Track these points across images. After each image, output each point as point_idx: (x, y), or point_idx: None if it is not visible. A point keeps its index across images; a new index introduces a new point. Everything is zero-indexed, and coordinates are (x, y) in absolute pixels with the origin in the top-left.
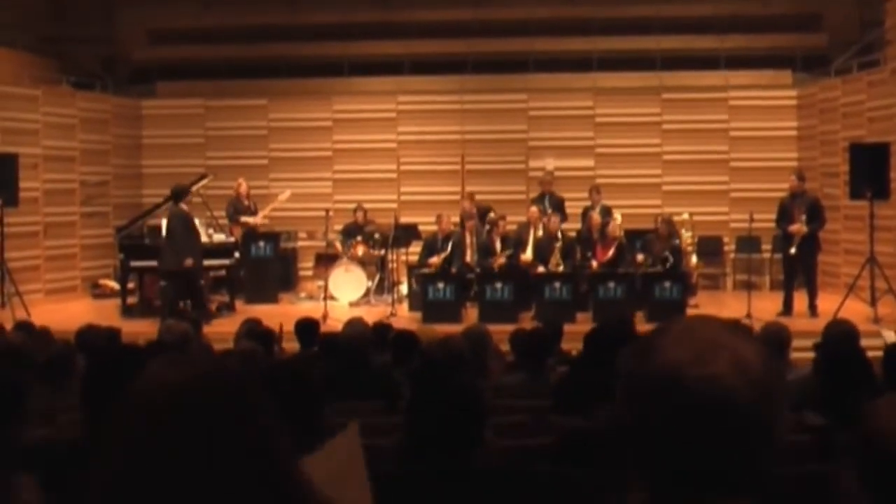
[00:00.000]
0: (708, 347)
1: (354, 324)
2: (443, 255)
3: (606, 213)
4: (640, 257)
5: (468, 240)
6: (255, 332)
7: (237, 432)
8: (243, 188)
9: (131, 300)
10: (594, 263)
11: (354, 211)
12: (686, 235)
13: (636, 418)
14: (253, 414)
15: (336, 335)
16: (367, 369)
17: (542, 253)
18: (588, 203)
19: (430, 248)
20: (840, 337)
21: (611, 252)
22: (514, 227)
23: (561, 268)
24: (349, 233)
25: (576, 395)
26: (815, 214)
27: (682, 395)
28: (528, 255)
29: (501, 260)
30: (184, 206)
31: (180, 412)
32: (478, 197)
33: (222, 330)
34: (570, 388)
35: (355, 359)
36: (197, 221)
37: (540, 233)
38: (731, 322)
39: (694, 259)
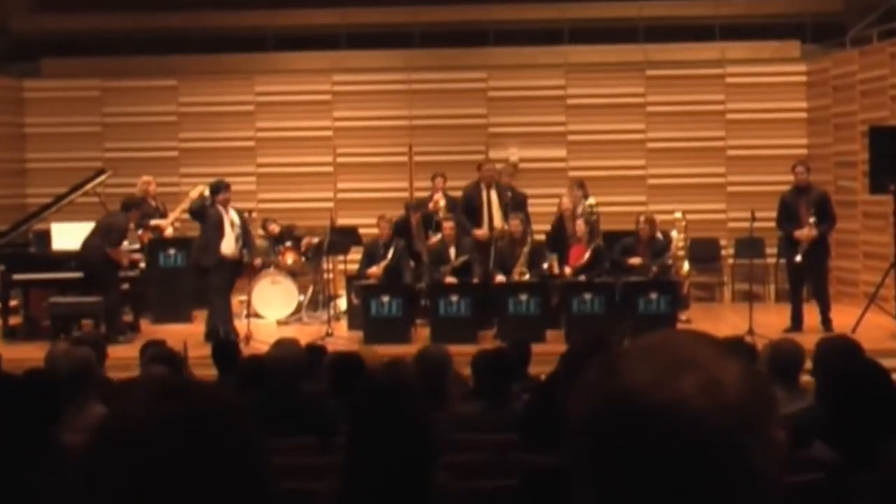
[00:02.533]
0: (674, 366)
1: (284, 346)
2: (383, 264)
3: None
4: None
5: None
6: (160, 356)
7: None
8: (152, 187)
9: (14, 320)
10: (566, 269)
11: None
12: (677, 238)
13: (589, 454)
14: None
15: (261, 359)
16: (297, 399)
17: (502, 260)
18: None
19: (371, 256)
20: (836, 354)
21: (586, 255)
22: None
23: (527, 276)
24: (276, 238)
25: (544, 429)
26: (825, 213)
27: (642, 423)
28: (483, 229)
29: (456, 264)
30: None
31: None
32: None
33: (124, 355)
34: (537, 419)
35: (284, 387)
36: (93, 225)
37: (494, 197)
38: (723, 339)
39: (686, 266)
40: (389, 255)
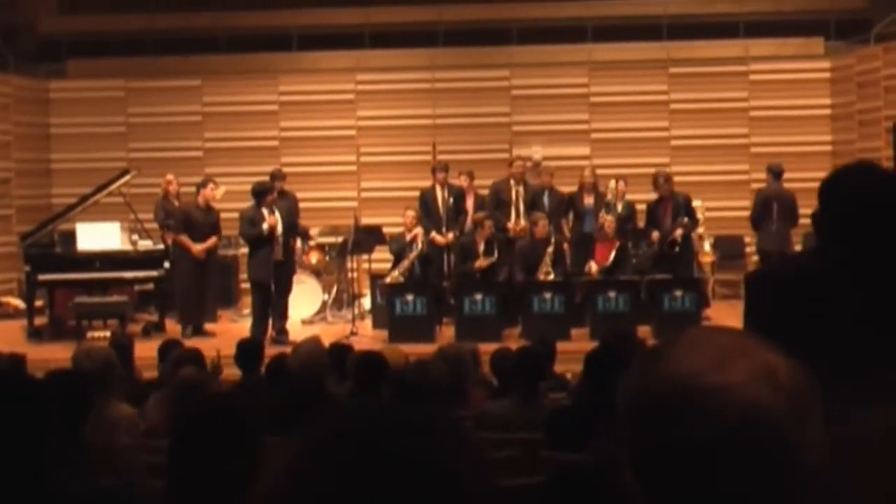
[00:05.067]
0: (726, 354)
1: (308, 346)
2: (411, 256)
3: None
4: (654, 234)
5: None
6: (186, 358)
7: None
8: (173, 186)
9: (39, 321)
10: (593, 266)
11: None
12: (700, 207)
13: (643, 445)
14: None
15: (286, 359)
16: (322, 400)
17: (527, 261)
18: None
19: (399, 252)
20: None
21: (612, 254)
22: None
23: (551, 276)
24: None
25: (573, 427)
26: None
27: (698, 410)
28: (514, 220)
29: (484, 264)
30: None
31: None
32: None
33: (148, 356)
34: (566, 418)
35: (309, 388)
36: (118, 226)
37: (521, 190)
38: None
39: (707, 246)
40: (418, 245)
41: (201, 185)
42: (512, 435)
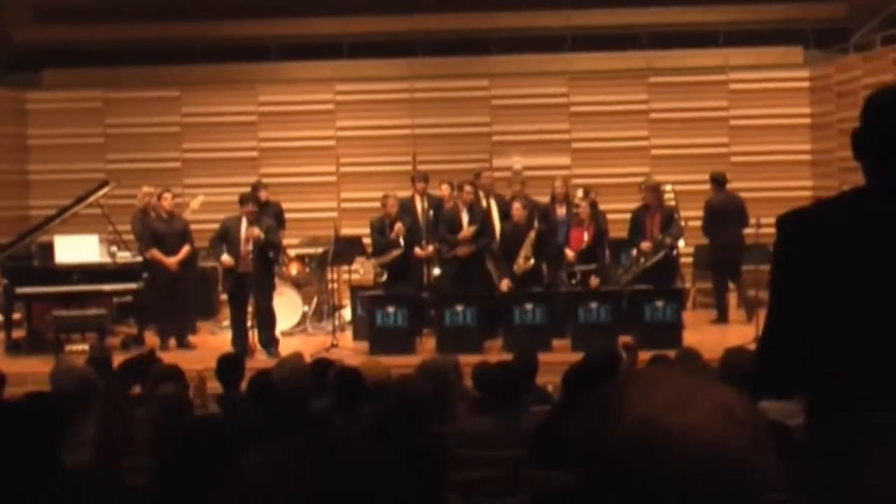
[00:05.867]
0: (682, 394)
1: (290, 362)
2: (394, 253)
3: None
4: (645, 245)
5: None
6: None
7: None
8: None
9: (17, 333)
10: (569, 253)
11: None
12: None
13: (603, 489)
14: None
15: (268, 376)
16: (303, 418)
17: (508, 247)
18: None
19: (381, 230)
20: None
21: (585, 236)
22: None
23: (531, 261)
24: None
25: (556, 444)
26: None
27: (662, 452)
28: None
29: (468, 233)
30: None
31: None
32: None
33: None
34: (549, 435)
35: (291, 406)
36: (96, 239)
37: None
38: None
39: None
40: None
41: (158, 197)
42: (494, 452)
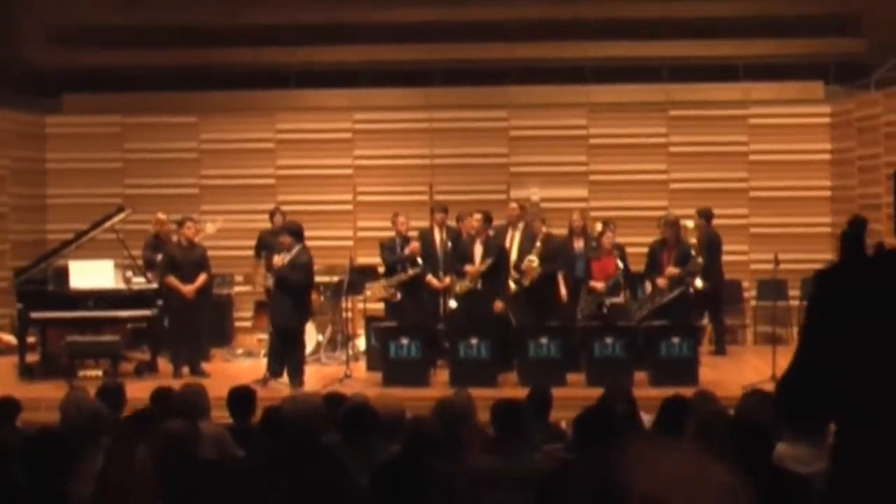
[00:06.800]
0: (689, 474)
1: (300, 401)
2: (410, 273)
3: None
4: (660, 281)
5: (438, 239)
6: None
7: None
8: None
9: (31, 358)
10: (597, 284)
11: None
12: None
13: None
14: None
15: (280, 413)
16: (314, 451)
17: (521, 256)
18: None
19: (392, 248)
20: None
21: (611, 269)
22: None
23: (535, 264)
24: None
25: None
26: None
27: None
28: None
29: (480, 267)
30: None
31: None
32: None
33: (140, 396)
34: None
35: (302, 440)
36: (111, 264)
37: (516, 235)
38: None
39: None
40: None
41: (179, 224)
42: (502, 495)
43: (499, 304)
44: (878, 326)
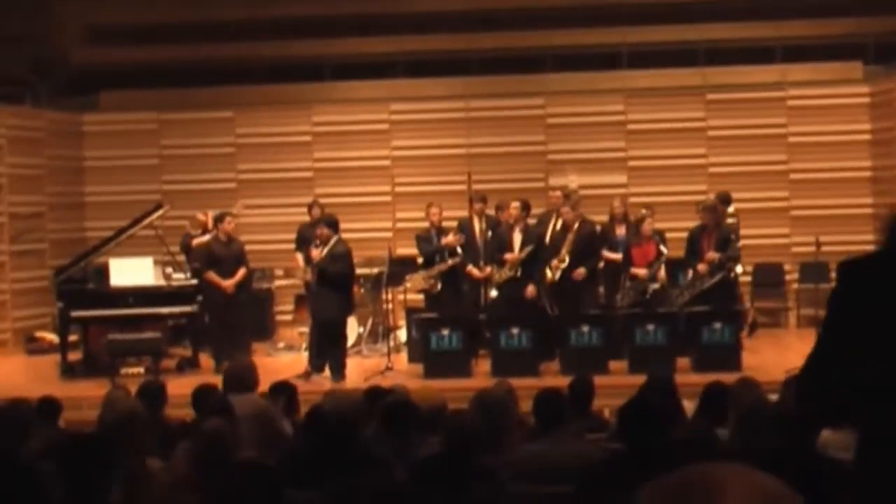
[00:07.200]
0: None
1: (341, 397)
2: (449, 262)
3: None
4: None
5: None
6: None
7: None
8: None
9: (73, 356)
10: (639, 271)
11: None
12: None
13: None
14: None
15: (321, 409)
16: (353, 447)
17: (555, 248)
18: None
19: (428, 240)
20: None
21: (652, 255)
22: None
23: (566, 263)
24: None
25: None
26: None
27: None
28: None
29: (520, 255)
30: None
31: None
32: None
33: (182, 393)
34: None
35: (342, 437)
36: (151, 261)
37: (558, 224)
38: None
39: (738, 268)
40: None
41: (218, 220)
42: (543, 489)
43: (531, 290)
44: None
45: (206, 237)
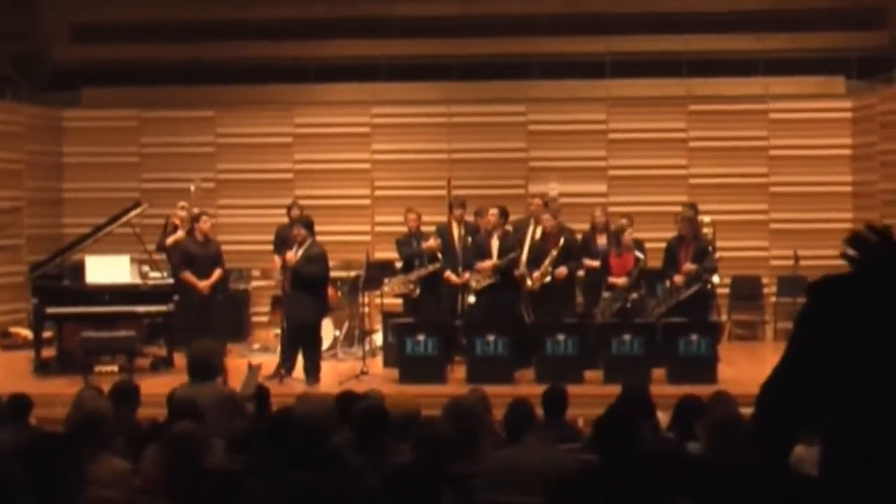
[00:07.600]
0: None
1: (310, 402)
2: (429, 268)
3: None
4: (677, 278)
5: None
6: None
7: None
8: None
9: (47, 353)
10: (618, 280)
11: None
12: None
13: None
14: None
15: (289, 414)
16: (323, 453)
17: (536, 258)
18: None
19: (408, 244)
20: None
21: (630, 265)
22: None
23: (548, 279)
24: None
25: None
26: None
27: None
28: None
29: (489, 265)
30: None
31: None
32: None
33: (155, 392)
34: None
35: (311, 441)
36: (128, 259)
37: (537, 231)
38: None
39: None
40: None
41: (195, 220)
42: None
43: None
44: (865, 340)
45: (179, 233)
